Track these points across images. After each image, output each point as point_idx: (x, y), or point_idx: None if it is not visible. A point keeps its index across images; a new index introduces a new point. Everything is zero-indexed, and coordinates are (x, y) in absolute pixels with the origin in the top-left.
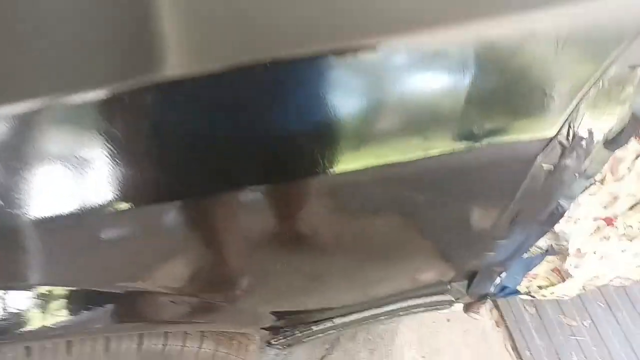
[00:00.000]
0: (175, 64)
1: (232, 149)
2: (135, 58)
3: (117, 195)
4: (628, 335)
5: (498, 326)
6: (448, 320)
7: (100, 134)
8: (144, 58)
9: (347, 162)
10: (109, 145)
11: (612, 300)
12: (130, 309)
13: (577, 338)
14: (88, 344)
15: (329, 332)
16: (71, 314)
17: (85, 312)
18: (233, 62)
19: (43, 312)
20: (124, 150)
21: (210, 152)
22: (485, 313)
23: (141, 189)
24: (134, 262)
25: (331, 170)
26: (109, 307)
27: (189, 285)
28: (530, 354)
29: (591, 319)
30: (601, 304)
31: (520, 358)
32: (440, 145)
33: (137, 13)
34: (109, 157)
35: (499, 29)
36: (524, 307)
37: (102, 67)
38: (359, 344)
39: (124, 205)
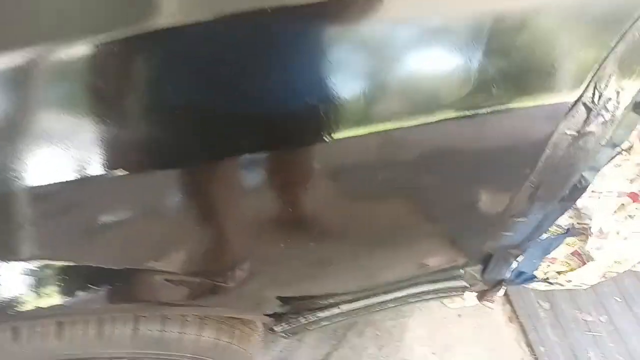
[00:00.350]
0: (169, 12)
1: (228, 109)
2: (126, 6)
3: (110, 159)
4: None
5: (511, 322)
6: (459, 315)
7: (90, 89)
8: (136, 6)
9: (352, 127)
10: (99, 102)
11: (629, 295)
12: (128, 289)
13: (594, 334)
14: (79, 327)
15: (335, 319)
16: (68, 293)
17: (81, 291)
18: (231, 9)
19: (38, 291)
20: (114, 108)
21: (205, 112)
22: (498, 308)
23: (134, 153)
24: (133, 236)
25: (334, 135)
26: (107, 286)
27: (191, 263)
28: (545, 350)
29: (607, 314)
30: (618, 299)
31: (534, 354)
32: (455, 107)
33: None
34: (99, 116)
35: None
36: (538, 302)
37: (92, 17)
38: (367, 339)
39: (118, 172)
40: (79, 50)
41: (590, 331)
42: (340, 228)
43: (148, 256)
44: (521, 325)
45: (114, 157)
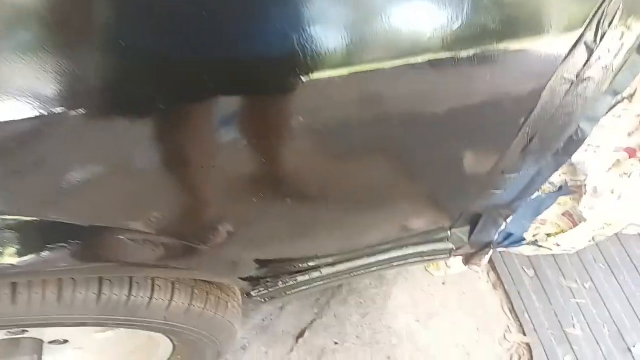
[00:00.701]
0: None
1: (195, 48)
2: None
3: (70, 97)
4: (629, 296)
5: (495, 289)
6: (443, 283)
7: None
8: None
9: (329, 68)
10: (56, 35)
11: (613, 261)
12: (90, 248)
13: (577, 300)
14: (36, 290)
15: (315, 283)
16: (21, 252)
17: (37, 250)
18: None
19: (2, 248)
20: (74, 42)
21: (173, 50)
22: (483, 275)
23: (98, 92)
24: (99, 189)
25: (310, 76)
26: (65, 245)
27: (160, 221)
28: (529, 316)
29: (592, 281)
30: (602, 265)
31: (518, 321)
32: (442, 47)
33: None
34: (57, 46)
35: None
36: (523, 269)
37: None
38: (350, 307)
39: (79, 111)
40: None
41: (574, 297)
42: (318, 184)
43: (115, 212)
44: (505, 293)
45: (74, 94)
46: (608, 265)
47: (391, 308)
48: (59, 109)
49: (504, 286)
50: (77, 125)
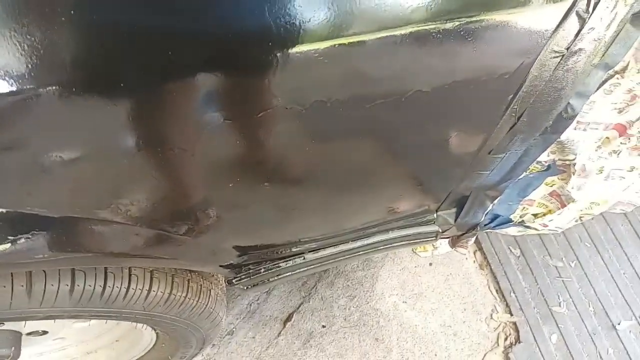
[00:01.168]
0: None
1: (170, 23)
2: None
3: (41, 75)
4: (614, 275)
5: (482, 269)
6: (430, 264)
7: None
8: None
9: (308, 42)
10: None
11: (598, 240)
12: (72, 238)
13: (563, 279)
14: (3, 284)
15: (299, 270)
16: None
17: (18, 240)
18: None
19: None
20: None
21: (155, 31)
22: (469, 256)
23: (69, 69)
24: (71, 176)
25: (286, 50)
26: (46, 235)
27: (139, 210)
28: (515, 295)
29: (577, 259)
30: (587, 244)
31: (505, 300)
32: (425, 18)
33: None
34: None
35: None
36: (509, 249)
37: None
38: (338, 290)
39: (50, 90)
40: None
41: (560, 276)
42: (298, 167)
43: (88, 202)
44: (492, 272)
45: (45, 72)
46: (594, 244)
47: (378, 290)
48: (28, 87)
49: (490, 266)
50: (48, 105)
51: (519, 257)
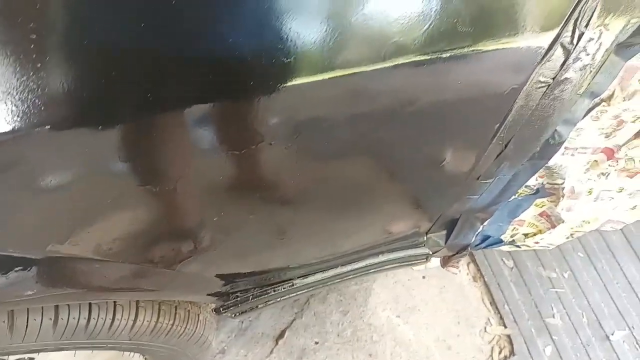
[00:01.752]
0: None
1: (164, 56)
2: None
3: (27, 115)
4: (607, 284)
5: (475, 281)
6: (424, 277)
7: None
8: None
9: (306, 72)
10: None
11: (592, 250)
12: (42, 277)
13: (557, 290)
14: None
15: (288, 295)
16: None
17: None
18: None
19: None
20: (32, 52)
21: (140, 61)
22: (463, 268)
23: (59, 105)
24: (59, 217)
25: (286, 83)
26: (28, 272)
27: (126, 247)
28: (509, 308)
29: (571, 270)
30: (580, 254)
31: (499, 312)
32: (414, 50)
33: None
34: (14, 62)
35: None
36: (502, 261)
37: None
38: (331, 305)
39: (38, 130)
40: None
41: (553, 287)
42: (290, 193)
43: (81, 245)
44: (486, 285)
45: (31, 112)
46: (587, 255)
47: (372, 305)
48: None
49: (484, 278)
50: (34, 145)
51: (512, 268)
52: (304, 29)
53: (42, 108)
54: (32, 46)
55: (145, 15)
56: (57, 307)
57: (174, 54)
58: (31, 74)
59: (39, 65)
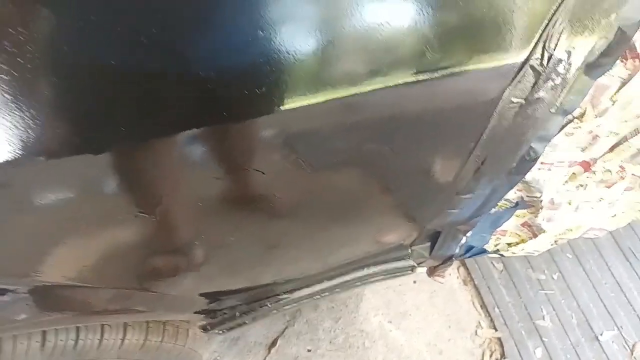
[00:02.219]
0: None
1: (160, 84)
2: None
3: (18, 145)
4: (596, 285)
5: (465, 284)
6: (414, 282)
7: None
8: None
9: (296, 98)
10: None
11: (580, 251)
12: (30, 304)
13: (546, 292)
14: None
15: (275, 310)
16: None
17: None
18: None
19: None
20: (24, 84)
21: (134, 88)
22: (453, 272)
23: (50, 137)
24: (43, 243)
25: (280, 106)
26: (18, 298)
27: (111, 273)
28: (499, 310)
29: (560, 272)
30: (569, 255)
31: (489, 315)
32: (393, 77)
33: None
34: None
35: None
36: (492, 264)
37: None
38: (323, 313)
39: (30, 159)
40: None
41: (543, 289)
42: (283, 212)
43: (61, 271)
44: (476, 288)
45: (22, 141)
46: (575, 256)
47: (364, 310)
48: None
49: (474, 281)
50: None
51: (501, 271)
52: (294, 50)
53: (29, 135)
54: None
55: (134, 38)
56: (44, 330)
57: (164, 78)
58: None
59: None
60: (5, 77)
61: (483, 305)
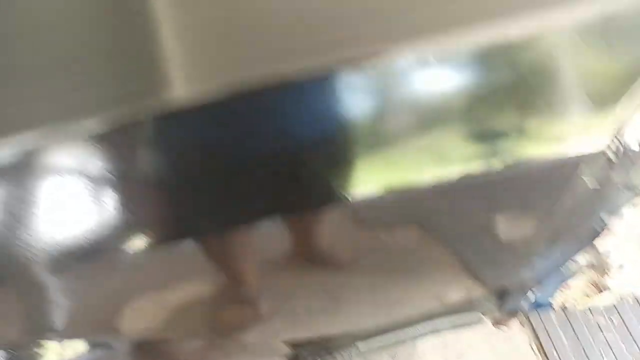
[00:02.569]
0: (178, 87)
1: (242, 181)
2: (134, 82)
3: (122, 235)
4: None
5: (523, 326)
6: None
7: (102, 168)
8: (144, 82)
9: (365, 188)
10: (111, 180)
11: None
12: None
13: (606, 336)
14: None
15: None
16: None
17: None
18: (241, 83)
19: None
20: (127, 185)
21: (220, 185)
22: None
23: (144, 226)
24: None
25: (350, 198)
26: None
27: (200, 328)
28: (557, 354)
29: (620, 317)
30: (630, 300)
31: (547, 358)
32: (464, 165)
33: (135, 34)
34: (114, 193)
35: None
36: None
37: (99, 93)
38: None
39: (131, 245)
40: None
41: (602, 332)
42: (353, 269)
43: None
44: (533, 330)
45: (125, 232)
46: (637, 301)
47: (420, 349)
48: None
49: (531, 323)
50: (126, 259)
51: (559, 314)
52: (363, 148)
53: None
54: None
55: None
56: None
57: (244, 176)
58: None
59: None
60: None
61: (540, 348)
